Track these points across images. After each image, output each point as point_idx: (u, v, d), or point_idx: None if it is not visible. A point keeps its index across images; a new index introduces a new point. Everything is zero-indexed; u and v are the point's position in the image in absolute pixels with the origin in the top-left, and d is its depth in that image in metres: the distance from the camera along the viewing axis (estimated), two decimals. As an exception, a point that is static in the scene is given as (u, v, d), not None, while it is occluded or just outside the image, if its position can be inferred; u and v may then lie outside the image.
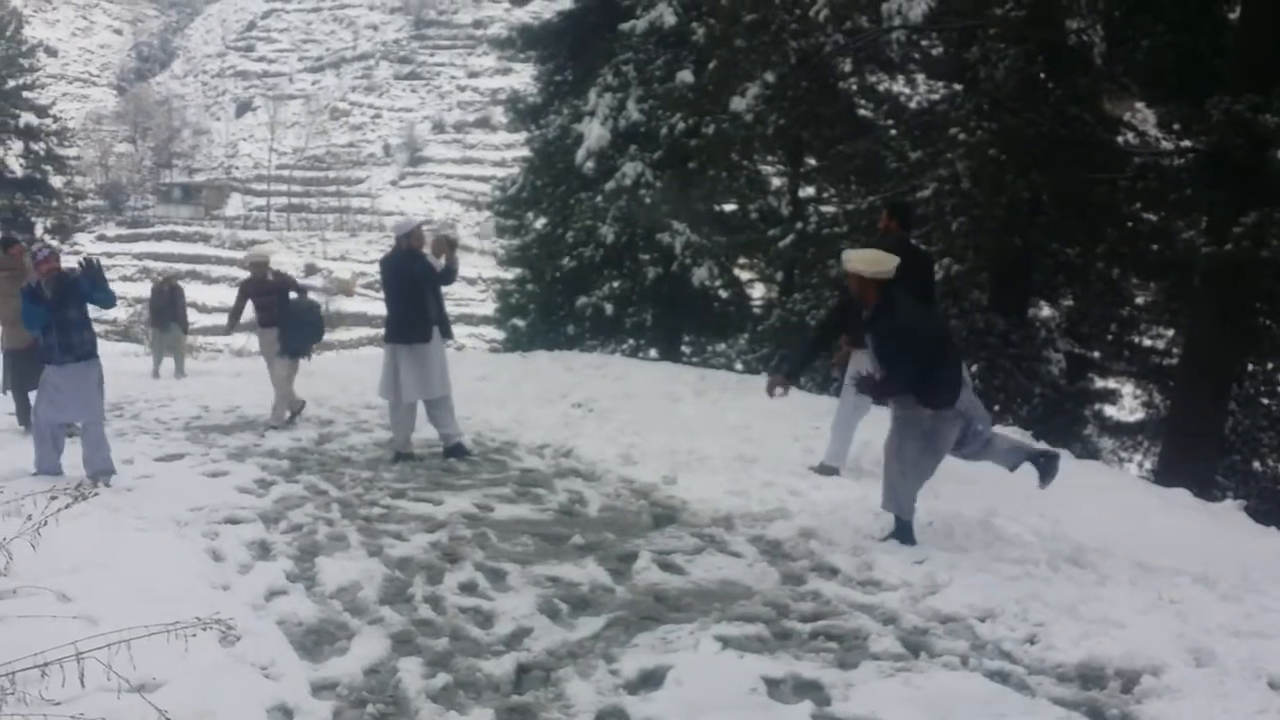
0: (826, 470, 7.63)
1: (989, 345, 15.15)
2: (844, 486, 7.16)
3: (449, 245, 9.32)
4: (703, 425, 9.84)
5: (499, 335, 25.17)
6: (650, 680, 4.15)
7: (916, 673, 4.14)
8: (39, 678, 3.50)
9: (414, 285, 8.84)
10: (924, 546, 5.86)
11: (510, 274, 23.77)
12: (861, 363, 7.46)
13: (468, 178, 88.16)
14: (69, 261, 9.10)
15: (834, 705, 3.90)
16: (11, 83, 47.71)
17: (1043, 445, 6.78)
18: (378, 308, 65.81)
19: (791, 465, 7.98)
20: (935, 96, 18.34)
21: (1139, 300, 18.10)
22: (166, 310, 17.98)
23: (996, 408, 14.33)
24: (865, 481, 7.35)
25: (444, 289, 9.24)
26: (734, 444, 8.88)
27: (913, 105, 18.49)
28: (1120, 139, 14.64)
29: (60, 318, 7.85)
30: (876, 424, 7.87)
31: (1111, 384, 19.91)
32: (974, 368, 14.23)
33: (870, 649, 4.42)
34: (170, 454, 9.11)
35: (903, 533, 6.02)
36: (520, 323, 22.65)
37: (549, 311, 21.79)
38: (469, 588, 5.35)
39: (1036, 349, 16.35)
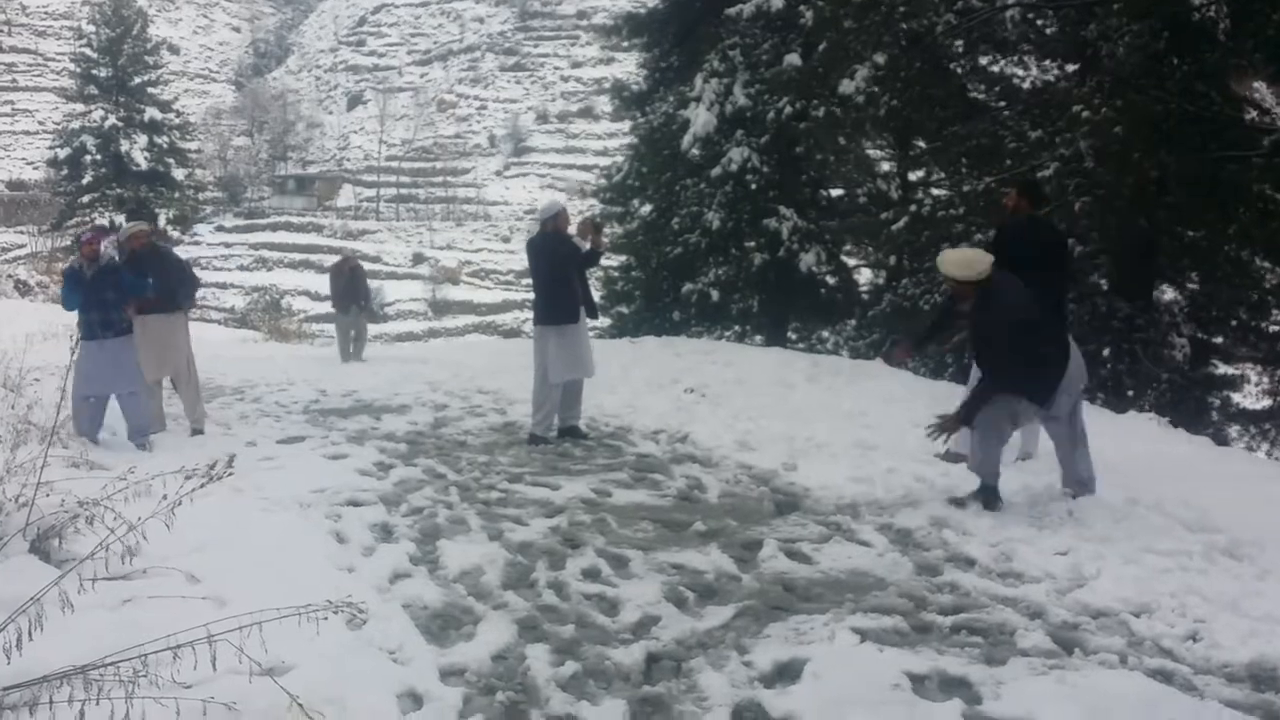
0: (954, 457, 7.36)
1: (1113, 330, 14.61)
2: (972, 474, 6.87)
3: (594, 227, 9.35)
4: (818, 411, 9.61)
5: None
6: (786, 673, 3.99)
7: (1070, 670, 3.91)
8: (170, 660, 3.48)
9: (560, 268, 8.88)
10: (1061, 534, 5.60)
11: (616, 261, 23.74)
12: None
13: (570, 167, 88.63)
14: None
15: (985, 704, 3.69)
16: (137, 79, 49.23)
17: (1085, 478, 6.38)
18: (483, 295, 66.90)
19: (913, 452, 7.72)
20: (1049, 76, 17.80)
21: (1269, 283, 17.29)
22: (348, 293, 17.48)
23: (1130, 393, 13.86)
24: (995, 469, 7.07)
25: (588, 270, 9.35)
26: (852, 430, 8.65)
27: (1025, 86, 17.96)
28: (1248, 117, 13.96)
29: (99, 298, 8.55)
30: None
31: (1234, 370, 19.12)
32: (1105, 352, 13.78)
33: (1018, 645, 4.20)
34: (291, 436, 9.23)
35: (986, 495, 6.20)
36: (626, 309, 22.63)
37: (655, 298, 21.73)
38: (592, 574, 5.25)
39: (1161, 334, 15.74)
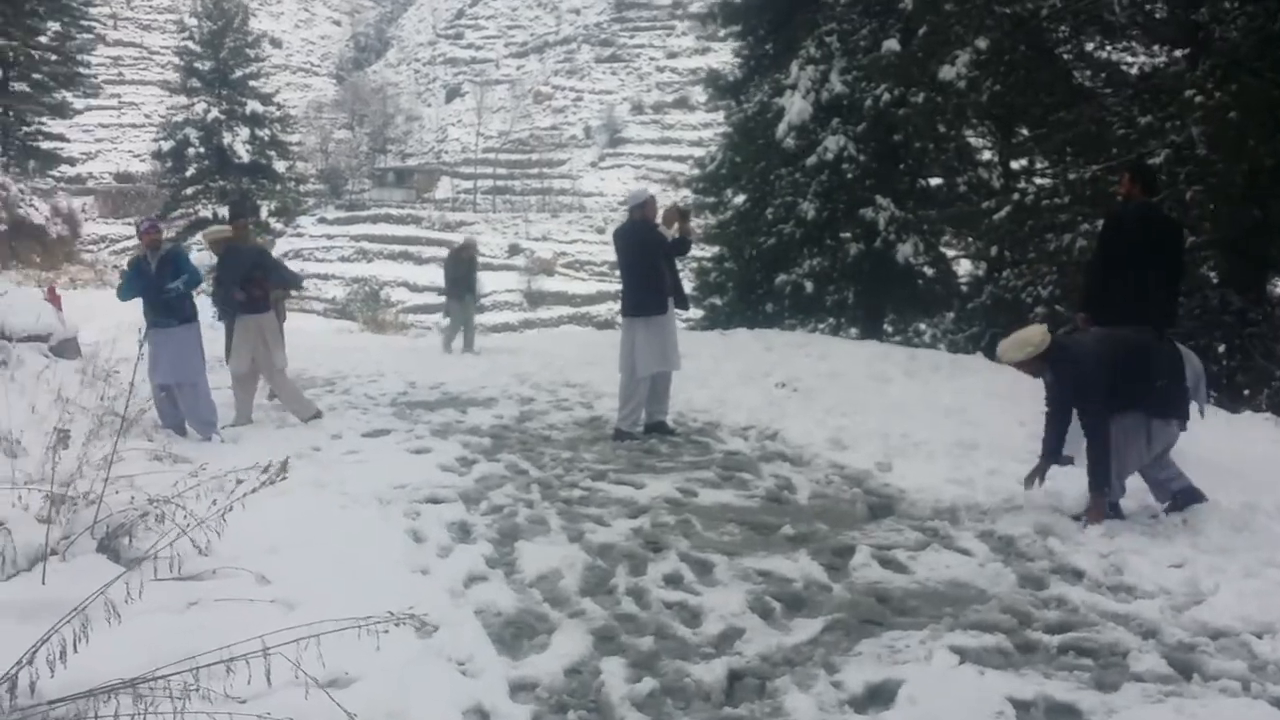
0: (1060, 460, 6.95)
1: (1224, 325, 13.90)
2: (1081, 478, 6.45)
3: (680, 214, 9.13)
4: (915, 408, 9.23)
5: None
6: (879, 696, 3.71)
7: (1189, 699, 3.57)
8: (225, 673, 3.32)
9: (647, 257, 8.69)
10: (1176, 544, 5.21)
11: (708, 252, 23.43)
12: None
13: (665, 158, 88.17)
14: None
15: (1097, 736, 3.37)
16: (239, 72, 50.20)
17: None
18: (577, 287, 67.07)
19: (1017, 452, 7.31)
20: (1157, 61, 17.05)
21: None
22: (463, 281, 17.08)
23: (1246, 392, 13.18)
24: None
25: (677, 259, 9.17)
26: (952, 428, 8.26)
27: (1133, 72, 17.23)
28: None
29: (160, 286, 8.62)
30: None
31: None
32: (1219, 349, 13.12)
33: (1131, 668, 3.85)
34: (377, 429, 9.17)
35: (1097, 507, 5.74)
36: (719, 301, 22.34)
37: (747, 289, 21.40)
38: (674, 580, 5.02)
39: (1275, 328, 14.95)
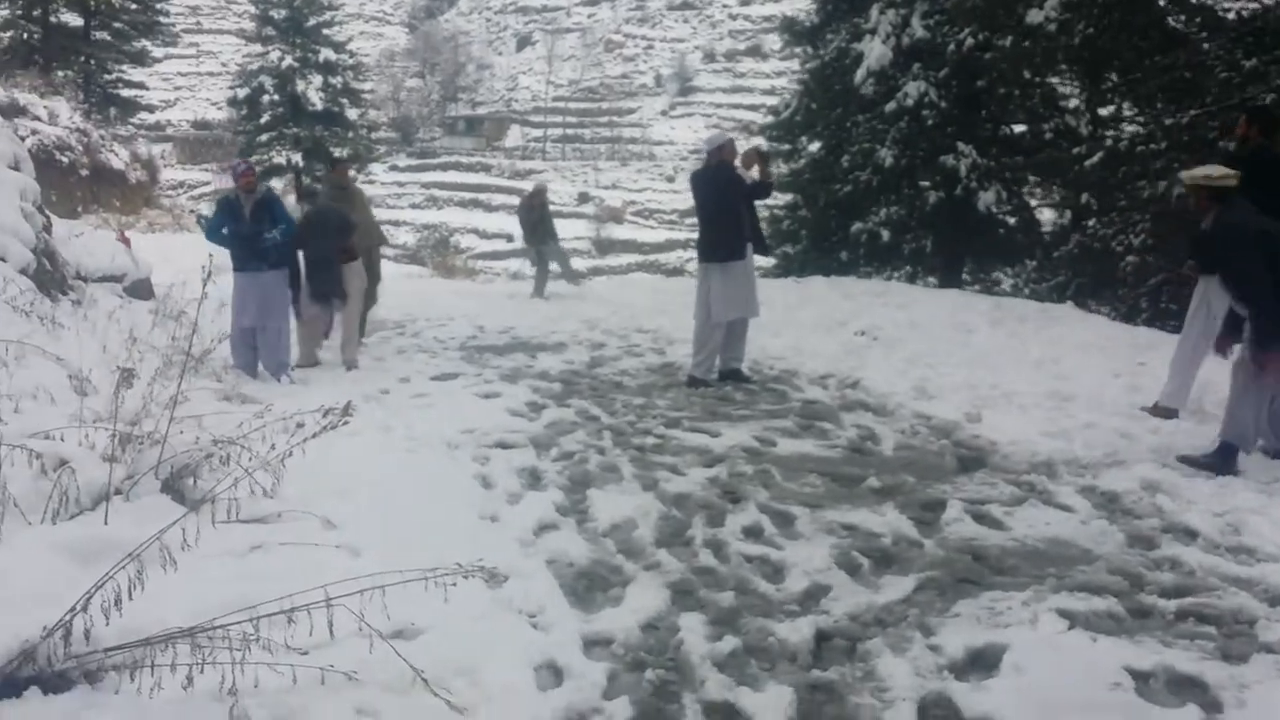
0: (1164, 412, 6.56)
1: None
2: (1189, 433, 6.09)
3: (760, 157, 8.81)
4: (1003, 358, 8.83)
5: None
6: (981, 662, 3.42)
7: (1331, 676, 3.24)
8: (286, 623, 3.12)
9: (727, 200, 8.39)
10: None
11: (782, 200, 22.94)
12: (1214, 292, 6.37)
13: (737, 106, 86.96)
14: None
15: (1227, 712, 3.06)
16: (312, 20, 50.20)
17: None
18: (646, 235, 66.74)
19: (1115, 404, 6.93)
20: (1260, 4, 16.20)
21: None
22: (539, 227, 16.63)
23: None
24: (1212, 426, 6.24)
25: (757, 204, 8.86)
26: (1043, 380, 7.85)
27: (1230, 16, 16.40)
28: None
29: (255, 230, 8.50)
30: (1222, 364, 6.74)
31: None
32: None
33: (1260, 638, 3.51)
34: (445, 373, 8.99)
35: (1223, 456, 5.48)
36: (791, 249, 21.90)
37: (821, 237, 20.98)
38: (754, 532, 4.75)
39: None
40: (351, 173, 13.62)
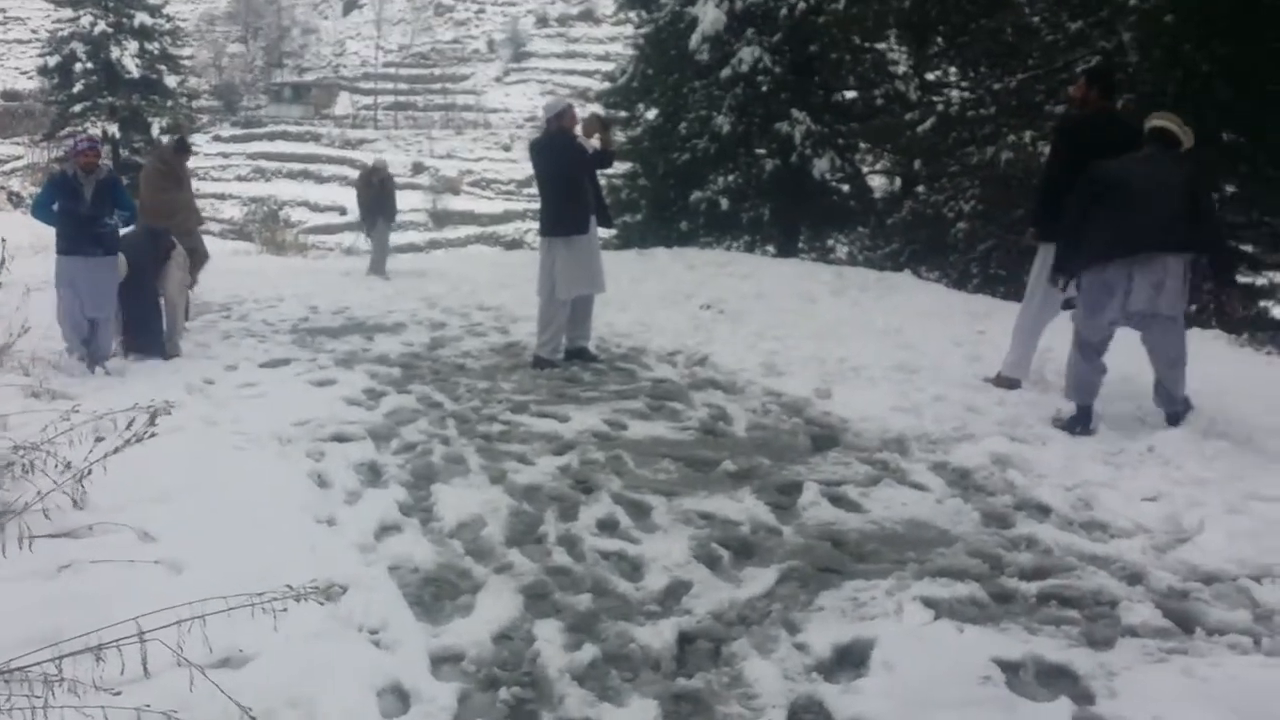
0: (1006, 383, 6.63)
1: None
2: (1033, 403, 6.15)
3: (602, 125, 8.49)
4: (849, 329, 8.86)
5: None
6: (848, 659, 3.31)
7: (1196, 657, 3.22)
8: (94, 661, 2.79)
9: (568, 171, 8.08)
10: (1146, 475, 4.89)
11: (621, 168, 22.79)
12: (1051, 260, 6.43)
13: (572, 72, 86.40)
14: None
15: (1099, 703, 2.99)
16: (127, -18, 47.65)
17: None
18: (484, 205, 65.88)
19: (960, 376, 6.98)
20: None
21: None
22: (374, 206, 16.10)
23: (1193, 307, 13.10)
24: (1054, 396, 6.34)
25: (600, 173, 8.59)
26: (889, 350, 7.89)
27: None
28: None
29: (95, 213, 7.92)
30: (1061, 332, 6.86)
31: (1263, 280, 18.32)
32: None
33: (1123, 620, 3.49)
34: (276, 359, 8.53)
35: (1078, 420, 5.74)
36: (631, 219, 21.77)
37: (661, 207, 20.87)
38: (609, 525, 4.55)
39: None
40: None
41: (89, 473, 4.00)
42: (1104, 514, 4.46)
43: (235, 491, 4.90)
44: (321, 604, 3.24)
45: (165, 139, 16.44)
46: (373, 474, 5.37)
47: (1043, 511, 4.57)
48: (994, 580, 3.84)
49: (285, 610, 2.92)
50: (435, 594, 3.89)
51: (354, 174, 67.36)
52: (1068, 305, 6.37)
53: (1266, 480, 4.65)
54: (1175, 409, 5.63)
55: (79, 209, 7.89)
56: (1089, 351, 5.79)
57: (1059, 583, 3.80)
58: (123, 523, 4.33)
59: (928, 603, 3.60)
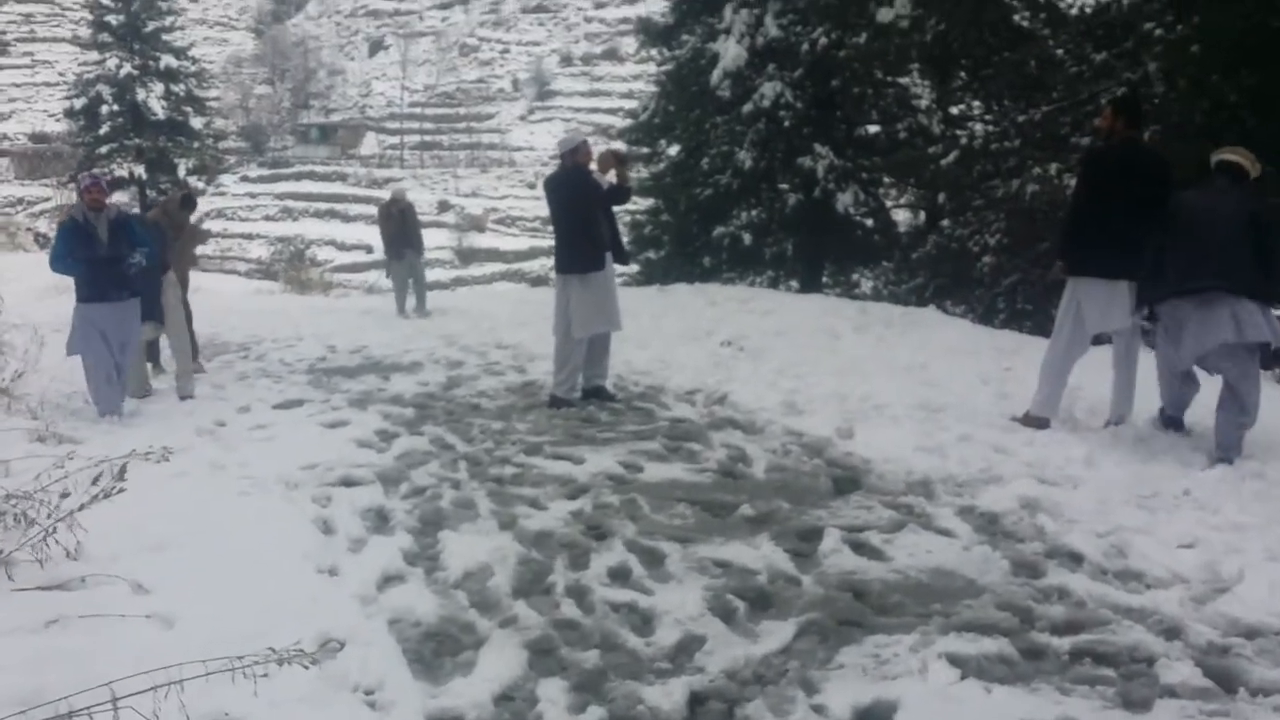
0: (1035, 422, 6.40)
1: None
2: (1063, 442, 5.93)
3: (617, 160, 8.36)
4: (872, 366, 8.65)
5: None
6: (870, 723, 3.11)
7: (1238, 719, 3.01)
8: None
9: (583, 207, 7.93)
10: (1181, 520, 4.66)
11: (643, 204, 22.71)
12: (1084, 294, 6.26)
13: (596, 110, 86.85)
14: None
15: (1138, 774, 2.79)
16: (152, 25, 48.28)
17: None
18: (509, 243, 66.13)
19: (987, 415, 6.77)
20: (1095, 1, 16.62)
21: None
22: (399, 237, 15.51)
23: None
24: (1084, 435, 6.13)
25: (616, 209, 8.41)
26: (913, 388, 7.68)
27: (1072, 12, 16.77)
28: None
29: (115, 254, 7.61)
30: (1091, 368, 6.66)
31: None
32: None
33: (1161, 679, 3.28)
34: (290, 400, 8.43)
35: (1168, 422, 6.15)
36: (654, 255, 21.68)
37: (684, 243, 20.75)
38: (620, 575, 4.37)
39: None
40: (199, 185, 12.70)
41: (54, 530, 3.85)
42: (1139, 562, 4.24)
43: (236, 539, 4.76)
44: (306, 668, 3.06)
45: (171, 190, 16.36)
46: (380, 520, 5.22)
47: (1075, 560, 4.35)
48: (1024, 635, 3.63)
49: (266, 675, 2.75)
50: (436, 649, 3.72)
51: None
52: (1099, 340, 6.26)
53: (1308, 527, 4.42)
54: (1225, 456, 5.52)
55: (98, 252, 7.58)
56: (1172, 380, 6.07)
57: (1093, 638, 3.58)
58: (117, 574, 4.18)
59: (954, 660, 3.40)
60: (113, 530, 4.42)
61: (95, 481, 4.38)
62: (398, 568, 4.48)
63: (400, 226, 15.62)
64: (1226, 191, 5.82)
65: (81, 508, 3.60)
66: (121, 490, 3.53)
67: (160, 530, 4.74)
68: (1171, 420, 6.17)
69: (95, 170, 9.23)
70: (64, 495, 4.34)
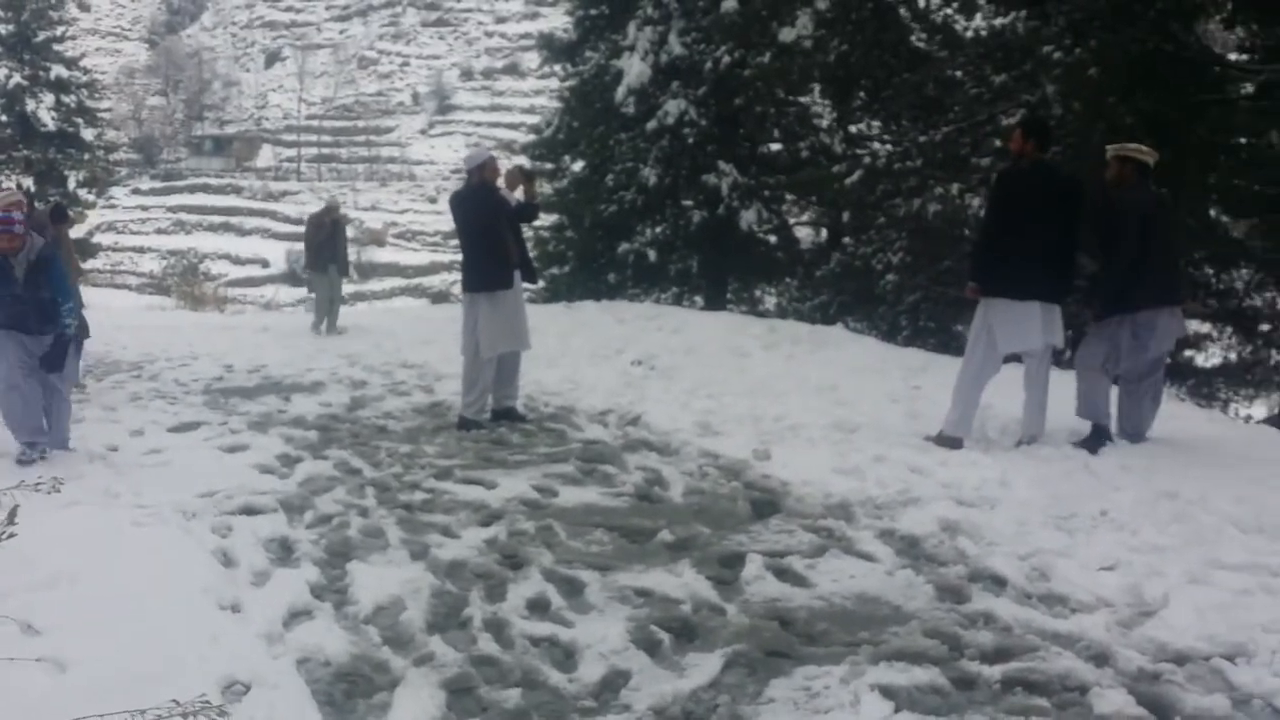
0: (949, 442, 6.41)
1: (1077, 288, 13.89)
2: (976, 463, 5.93)
3: (525, 177, 8.23)
4: (784, 385, 8.63)
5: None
6: (806, 763, 3.02)
7: (1178, 752, 2.98)
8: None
9: (490, 224, 7.76)
10: (1100, 541, 4.67)
11: (547, 220, 22.56)
12: (996, 315, 6.30)
13: (497, 125, 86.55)
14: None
15: (1080, 811, 2.74)
16: (42, 35, 46.87)
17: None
18: (409, 258, 65.46)
19: (900, 434, 6.76)
20: (997, 23, 16.98)
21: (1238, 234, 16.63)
22: (326, 248, 14.97)
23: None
24: (997, 455, 6.15)
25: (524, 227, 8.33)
26: (825, 407, 7.66)
27: (969, 35, 17.12)
28: (1232, 57, 13.19)
29: (31, 295, 6.70)
30: (1001, 387, 6.71)
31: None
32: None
33: (1095, 708, 3.24)
34: (185, 423, 8.10)
35: (1096, 438, 6.25)
36: (558, 271, 21.55)
37: (589, 259, 20.65)
38: (539, 606, 4.22)
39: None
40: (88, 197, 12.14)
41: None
42: (1062, 586, 4.22)
43: (132, 574, 4.51)
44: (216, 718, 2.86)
45: (45, 206, 15.55)
46: (284, 550, 5.00)
47: (998, 583, 4.32)
48: (954, 664, 3.58)
49: (172, 729, 2.56)
50: (348, 691, 3.54)
51: (275, 226, 66.72)
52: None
53: (1226, 546, 4.45)
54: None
55: (12, 290, 6.68)
56: (1106, 389, 6.44)
57: (1023, 665, 3.54)
58: (4, 613, 3.91)
59: (886, 692, 3.33)
60: (1, 566, 4.15)
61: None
62: (305, 602, 4.27)
63: (330, 238, 15.13)
64: (1158, 195, 6.33)
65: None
66: (12, 535, 3.26)
67: (52, 564, 4.48)
68: (1105, 433, 6.34)
69: (11, 202, 8.15)
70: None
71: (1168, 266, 6.41)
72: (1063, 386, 6.43)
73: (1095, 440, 6.24)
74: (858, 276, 16.22)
